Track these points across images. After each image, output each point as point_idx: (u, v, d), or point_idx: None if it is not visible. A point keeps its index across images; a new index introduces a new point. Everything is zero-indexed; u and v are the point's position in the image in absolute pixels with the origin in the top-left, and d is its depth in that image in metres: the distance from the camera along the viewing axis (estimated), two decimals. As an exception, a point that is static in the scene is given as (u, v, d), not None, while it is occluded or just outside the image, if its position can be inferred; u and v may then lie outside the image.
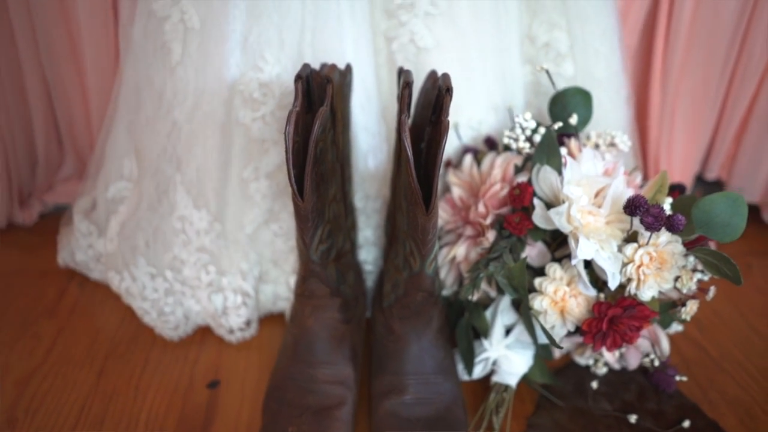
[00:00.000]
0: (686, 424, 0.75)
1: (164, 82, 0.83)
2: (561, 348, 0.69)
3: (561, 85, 0.93)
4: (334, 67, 0.71)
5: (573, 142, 0.78)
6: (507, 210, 0.75)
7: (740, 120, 1.14)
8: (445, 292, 0.83)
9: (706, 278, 0.75)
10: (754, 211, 1.20)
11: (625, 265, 0.70)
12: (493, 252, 0.72)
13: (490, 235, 0.74)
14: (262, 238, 0.88)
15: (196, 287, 0.86)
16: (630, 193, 0.71)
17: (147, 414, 0.77)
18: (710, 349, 0.91)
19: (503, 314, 0.77)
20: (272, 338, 0.91)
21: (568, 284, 0.72)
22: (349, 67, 0.78)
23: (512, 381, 0.77)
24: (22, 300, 0.97)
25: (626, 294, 0.71)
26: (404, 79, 0.66)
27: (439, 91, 0.66)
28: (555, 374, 0.83)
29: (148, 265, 0.87)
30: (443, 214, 0.84)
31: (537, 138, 0.76)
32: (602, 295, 0.73)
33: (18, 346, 0.88)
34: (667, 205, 0.73)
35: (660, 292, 0.72)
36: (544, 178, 0.72)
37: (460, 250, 0.78)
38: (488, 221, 0.75)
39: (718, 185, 1.24)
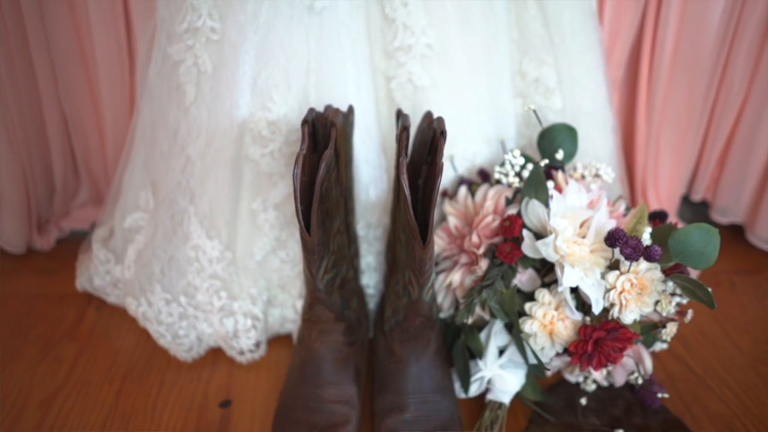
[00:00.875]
0: (669, 438, 0.80)
1: (178, 120, 0.89)
2: (548, 370, 0.74)
3: (551, 117, 0.99)
4: (337, 111, 0.77)
5: (560, 175, 0.84)
6: (499, 240, 0.81)
7: (723, 145, 1.20)
8: (443, 315, 0.89)
9: (684, 302, 0.81)
10: (738, 230, 1.26)
11: (608, 290, 0.75)
12: (486, 279, 0.77)
13: (483, 264, 0.80)
14: (270, 265, 0.94)
15: (208, 311, 0.92)
16: (612, 224, 0.77)
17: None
18: (694, 366, 0.96)
19: (496, 336, 0.82)
20: (280, 359, 0.96)
21: (556, 308, 0.78)
22: (351, 109, 0.84)
23: (506, 399, 0.82)
24: (43, 323, 1.03)
25: (610, 317, 0.76)
26: (402, 123, 0.72)
27: (434, 133, 0.72)
28: (547, 391, 0.88)
29: (163, 292, 0.92)
30: (440, 242, 0.90)
31: (525, 173, 0.82)
32: (588, 319, 0.78)
33: (40, 368, 0.94)
34: (646, 234, 0.79)
35: (641, 315, 0.78)
36: (532, 210, 0.78)
37: (456, 277, 0.84)
38: (481, 251, 0.80)
39: (704, 205, 1.30)
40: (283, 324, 0.99)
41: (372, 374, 0.88)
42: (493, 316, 0.82)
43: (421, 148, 0.81)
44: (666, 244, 0.75)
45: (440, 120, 0.72)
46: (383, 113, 0.94)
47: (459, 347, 0.85)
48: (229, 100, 0.86)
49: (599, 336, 0.76)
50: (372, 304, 0.98)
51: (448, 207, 0.90)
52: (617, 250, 0.72)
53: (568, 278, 0.73)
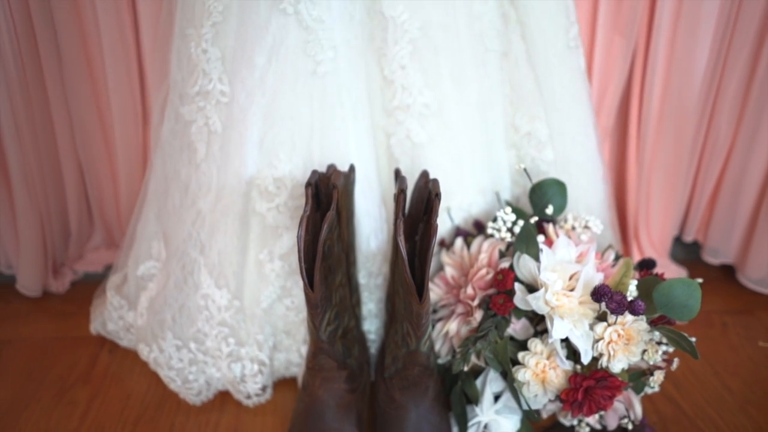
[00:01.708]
0: (658, 482, 0.84)
1: (190, 176, 0.94)
2: (539, 419, 0.78)
3: (543, 168, 1.04)
4: (339, 173, 0.82)
5: (551, 228, 0.89)
6: (493, 291, 0.85)
7: (712, 189, 1.24)
8: (441, 361, 0.93)
9: (671, 350, 0.85)
10: (730, 270, 1.30)
11: (596, 341, 0.79)
12: (481, 330, 0.82)
13: (478, 315, 0.84)
14: (276, 312, 0.98)
15: (217, 357, 0.96)
16: (599, 277, 0.81)
17: (175, 477, 0.86)
18: (686, 407, 0.99)
19: (492, 383, 0.86)
20: (286, 402, 1.00)
21: (548, 357, 0.82)
22: (352, 167, 0.89)
23: (502, 443, 0.86)
24: (59, 367, 1.08)
25: (599, 367, 0.80)
26: (398, 186, 0.77)
27: (429, 194, 0.77)
28: (541, 435, 0.91)
29: (174, 338, 0.97)
30: (438, 290, 0.94)
31: (517, 229, 0.87)
32: (578, 367, 0.82)
33: (56, 412, 0.98)
34: (633, 285, 0.83)
35: (629, 364, 0.81)
36: (524, 265, 0.82)
37: (453, 326, 0.88)
38: (476, 302, 0.85)
39: (696, 245, 1.34)
40: (289, 367, 1.03)
41: (374, 418, 0.92)
42: (488, 364, 0.86)
43: (418, 205, 0.86)
44: (651, 296, 0.79)
45: (435, 182, 0.77)
46: (383, 167, 0.99)
47: (456, 393, 0.88)
48: (237, 159, 0.91)
49: (589, 384, 0.79)
50: (374, 348, 1.02)
51: (445, 257, 0.95)
52: (603, 305, 0.76)
53: (557, 331, 0.77)
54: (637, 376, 0.85)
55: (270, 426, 0.96)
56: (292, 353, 1.01)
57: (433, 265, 0.97)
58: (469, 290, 0.86)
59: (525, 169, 0.93)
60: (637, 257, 1.26)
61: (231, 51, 0.89)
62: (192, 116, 0.93)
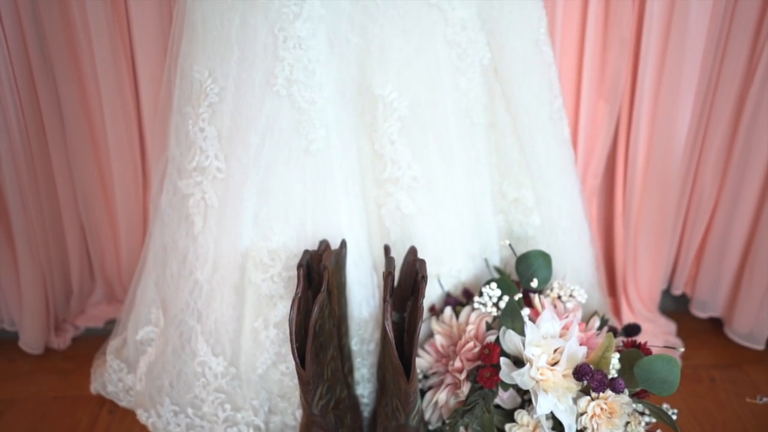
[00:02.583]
0: None
1: (187, 247, 0.98)
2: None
3: (530, 232, 1.08)
4: (331, 252, 0.85)
5: (537, 299, 0.92)
6: (480, 364, 0.88)
7: (698, 245, 1.27)
8: (431, 427, 0.95)
9: (654, 420, 0.87)
10: (718, 324, 1.32)
11: (580, 415, 0.82)
12: (468, 404, 0.84)
13: (465, 388, 0.87)
14: (271, 377, 1.01)
15: (214, 422, 0.99)
16: (583, 351, 0.84)
17: None
18: (673, 468, 1.01)
19: (480, 452, 0.89)
20: (281, 465, 1.03)
21: (534, 430, 0.84)
22: (343, 243, 0.93)
23: None
24: (60, 428, 1.10)
25: (583, 439, 0.83)
26: (386, 268, 0.80)
27: (416, 276, 0.80)
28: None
29: (172, 404, 1.00)
30: (428, 358, 0.97)
31: (502, 304, 0.90)
32: (564, 439, 0.84)
33: (57, 475, 1.00)
34: (615, 359, 0.85)
35: (613, 436, 0.84)
36: (509, 339, 0.85)
37: (442, 396, 0.91)
38: (463, 376, 0.87)
39: (684, 297, 1.36)
40: (284, 430, 1.05)
41: (366, 484, 0.94)
42: (476, 435, 0.88)
43: (407, 279, 0.89)
44: (632, 372, 0.82)
45: (422, 263, 0.80)
46: (375, 234, 1.03)
47: (446, 462, 0.91)
48: (233, 232, 0.94)
49: (574, 457, 0.82)
50: (367, 412, 1.05)
51: (435, 326, 0.97)
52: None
53: (542, 406, 0.80)
54: (622, 446, 0.88)
55: (265, 490, 0.98)
56: (288, 416, 1.04)
57: (423, 330, 1.01)
58: (458, 363, 0.89)
59: (510, 245, 0.96)
60: (626, 311, 1.28)
61: (227, 130, 0.93)
62: (189, 190, 0.96)
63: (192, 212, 0.97)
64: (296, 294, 0.77)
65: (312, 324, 0.76)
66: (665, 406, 0.86)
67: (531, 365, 0.82)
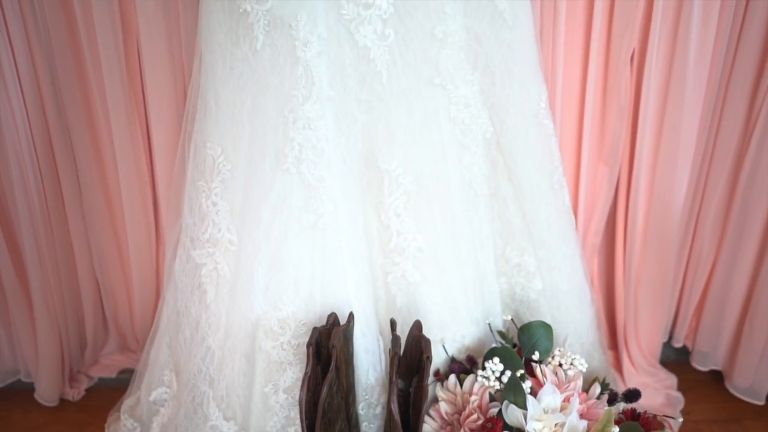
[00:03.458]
0: None
1: (200, 314, 1.01)
2: None
3: (532, 295, 1.11)
4: (339, 330, 0.88)
5: (539, 369, 0.95)
6: (484, 434, 0.91)
7: (697, 301, 1.30)
8: (437, 493, 0.98)
9: (654, 491, 0.90)
10: (719, 377, 1.34)
11: (581, 489, 0.84)
12: (472, 477, 0.87)
13: (470, 460, 0.89)
14: (281, 440, 1.04)
15: (225, 484, 1.02)
16: (583, 425, 0.87)
17: None
18: None
19: None
20: None
21: (536, 501, 0.87)
22: (351, 316, 0.96)
23: None
24: (75, 485, 1.13)
25: None
26: (393, 350, 0.83)
27: (421, 355, 0.83)
28: None
29: (184, 465, 1.03)
30: (433, 424, 1.00)
31: (505, 378, 0.92)
32: None
33: None
34: (615, 432, 0.88)
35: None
36: (511, 413, 0.88)
37: (447, 465, 0.94)
38: (467, 448, 0.90)
39: (686, 348, 1.39)
40: (294, 487, 1.08)
41: None
42: (479, 505, 0.91)
43: (413, 350, 0.92)
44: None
45: (427, 343, 0.83)
46: (381, 299, 1.06)
47: None
48: (245, 302, 0.98)
49: None
50: (374, 473, 1.07)
51: (440, 393, 1.00)
52: (585, 459, 0.82)
53: (543, 482, 0.83)
54: None
55: None
56: (297, 475, 1.06)
57: (428, 395, 1.03)
58: (461, 434, 0.92)
59: (512, 319, 0.99)
60: (627, 364, 1.30)
61: (239, 204, 0.97)
62: (203, 260, 1.00)
63: (204, 281, 1.00)
64: (306, 373, 0.81)
65: (321, 403, 0.79)
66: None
67: (532, 441, 0.84)
